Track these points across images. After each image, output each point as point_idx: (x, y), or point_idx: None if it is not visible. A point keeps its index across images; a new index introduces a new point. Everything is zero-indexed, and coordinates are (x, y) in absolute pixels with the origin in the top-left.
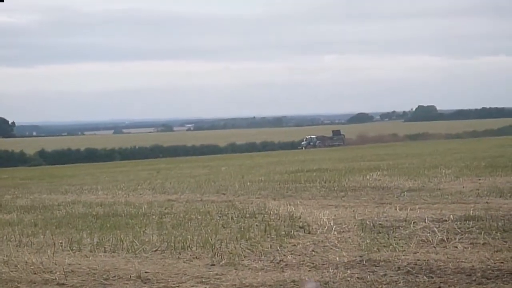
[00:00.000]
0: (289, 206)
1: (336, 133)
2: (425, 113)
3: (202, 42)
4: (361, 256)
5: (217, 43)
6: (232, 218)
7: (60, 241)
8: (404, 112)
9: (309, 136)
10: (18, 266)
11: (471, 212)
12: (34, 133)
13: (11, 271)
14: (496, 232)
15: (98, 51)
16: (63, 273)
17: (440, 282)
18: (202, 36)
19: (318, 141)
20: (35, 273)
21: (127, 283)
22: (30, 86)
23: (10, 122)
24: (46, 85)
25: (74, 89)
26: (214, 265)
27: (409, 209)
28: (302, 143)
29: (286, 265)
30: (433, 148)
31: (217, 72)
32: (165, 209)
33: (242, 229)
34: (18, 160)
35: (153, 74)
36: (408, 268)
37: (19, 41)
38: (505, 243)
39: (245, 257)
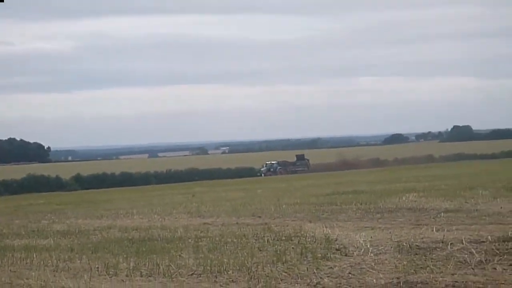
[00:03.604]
0: (325, 229)
1: (300, 157)
2: (461, 134)
3: (239, 66)
4: (398, 278)
5: (254, 67)
6: (268, 241)
7: (97, 266)
8: (439, 132)
9: (269, 162)
10: None
11: (510, 233)
12: (70, 158)
13: None
14: None
15: (133, 76)
16: None
17: None
18: (239, 60)
19: (279, 167)
20: None
21: None
22: (66, 111)
23: (46, 147)
24: (81, 110)
25: (109, 114)
26: None
27: (446, 230)
28: (262, 169)
29: None
30: (469, 169)
31: (253, 95)
32: (201, 233)
33: (279, 252)
34: (54, 185)
35: (188, 98)
36: None
37: (55, 67)
38: None
39: (281, 280)
